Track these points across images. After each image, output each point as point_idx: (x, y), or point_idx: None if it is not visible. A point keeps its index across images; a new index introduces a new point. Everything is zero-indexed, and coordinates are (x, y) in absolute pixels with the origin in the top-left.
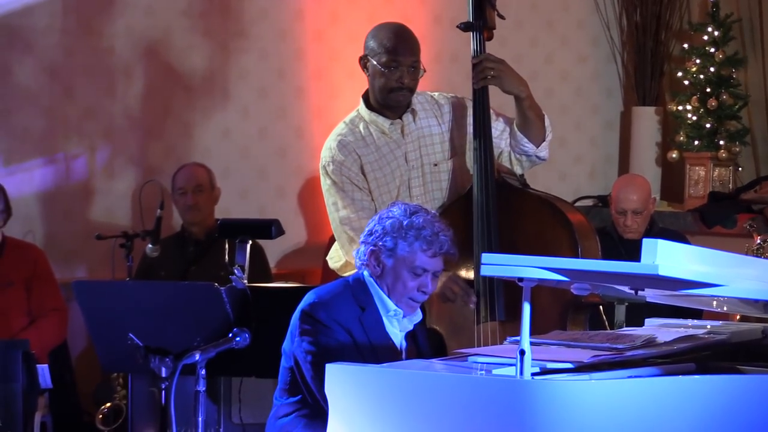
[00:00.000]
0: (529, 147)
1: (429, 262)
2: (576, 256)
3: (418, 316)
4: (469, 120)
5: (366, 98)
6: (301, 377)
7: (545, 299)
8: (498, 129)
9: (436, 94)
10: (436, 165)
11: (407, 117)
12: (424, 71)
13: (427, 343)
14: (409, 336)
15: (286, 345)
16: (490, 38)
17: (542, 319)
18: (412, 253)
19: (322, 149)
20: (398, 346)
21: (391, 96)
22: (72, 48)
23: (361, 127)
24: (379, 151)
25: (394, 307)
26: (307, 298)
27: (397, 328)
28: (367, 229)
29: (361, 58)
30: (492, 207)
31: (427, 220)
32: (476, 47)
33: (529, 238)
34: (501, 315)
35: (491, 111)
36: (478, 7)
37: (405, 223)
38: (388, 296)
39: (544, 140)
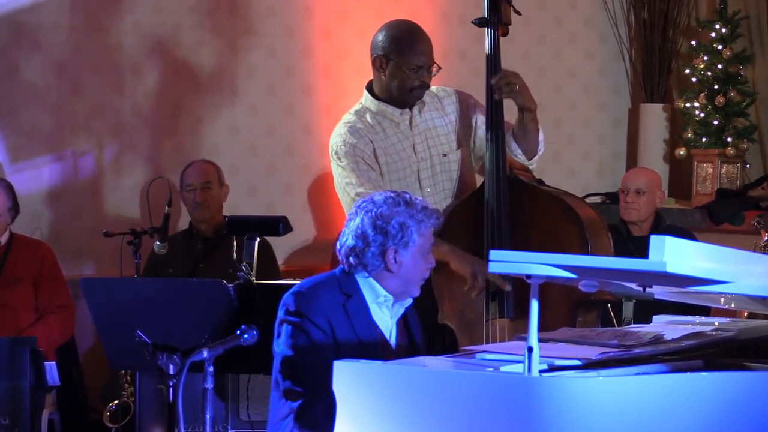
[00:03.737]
0: (522, 159)
1: (431, 236)
2: (586, 254)
3: (409, 300)
4: (476, 115)
5: (370, 89)
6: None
7: (555, 297)
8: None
9: (434, 88)
10: (445, 156)
11: (415, 108)
12: (440, 68)
13: (422, 337)
14: (403, 328)
15: (274, 344)
16: (505, 34)
17: (552, 316)
18: (423, 236)
19: (331, 139)
20: (386, 334)
21: (412, 94)
22: (80, 45)
23: (368, 116)
24: (389, 140)
25: (384, 293)
26: (290, 289)
27: (387, 315)
28: (368, 231)
29: (376, 59)
30: (503, 203)
31: (416, 200)
32: (491, 43)
33: (541, 235)
34: (510, 312)
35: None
36: (493, 2)
37: (411, 212)
38: (403, 289)
39: (536, 154)
